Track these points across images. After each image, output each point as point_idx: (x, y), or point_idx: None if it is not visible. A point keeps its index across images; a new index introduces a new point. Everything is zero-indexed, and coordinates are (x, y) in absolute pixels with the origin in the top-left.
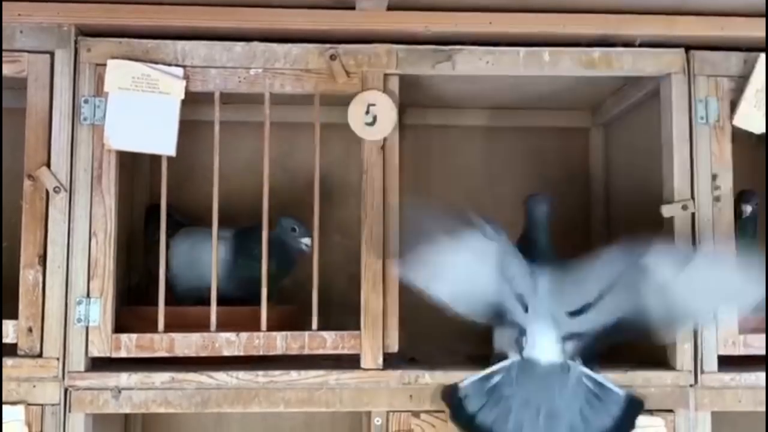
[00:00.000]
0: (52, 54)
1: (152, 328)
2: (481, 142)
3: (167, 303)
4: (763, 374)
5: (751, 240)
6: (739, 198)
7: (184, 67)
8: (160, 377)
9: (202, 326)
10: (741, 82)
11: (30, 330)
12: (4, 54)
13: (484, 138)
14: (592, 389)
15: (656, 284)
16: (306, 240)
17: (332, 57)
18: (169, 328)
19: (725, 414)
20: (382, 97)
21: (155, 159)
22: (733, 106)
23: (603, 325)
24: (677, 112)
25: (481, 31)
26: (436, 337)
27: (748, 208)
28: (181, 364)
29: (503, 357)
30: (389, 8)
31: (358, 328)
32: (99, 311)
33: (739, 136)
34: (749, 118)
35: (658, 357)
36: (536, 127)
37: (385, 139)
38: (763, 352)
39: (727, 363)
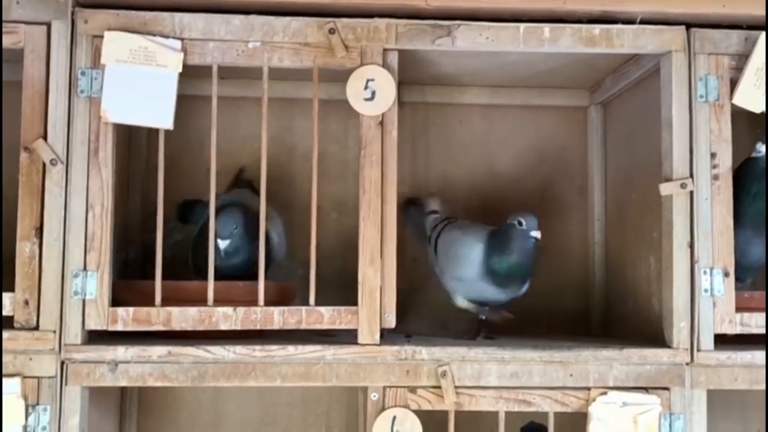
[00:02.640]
0: (48, 25)
1: (149, 302)
2: (480, 121)
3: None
4: (759, 353)
5: (754, 184)
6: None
7: (182, 39)
8: (157, 351)
9: (199, 301)
10: (742, 60)
11: (26, 303)
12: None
13: (482, 116)
14: None
15: None
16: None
17: (331, 31)
18: (166, 302)
19: (720, 392)
20: (381, 72)
21: (152, 133)
22: (734, 84)
23: None
24: (677, 91)
25: (481, 7)
26: (430, 314)
27: (762, 148)
28: (178, 338)
29: None
30: None
31: (355, 303)
32: (96, 284)
33: (739, 115)
34: (749, 97)
35: (654, 334)
36: (535, 105)
37: (383, 115)
38: (759, 330)
39: (724, 341)
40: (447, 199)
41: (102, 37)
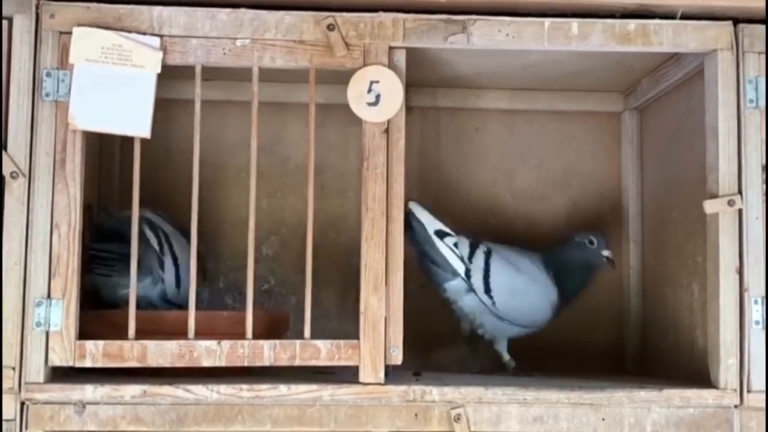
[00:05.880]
0: (9, 20)
1: (122, 334)
2: (499, 128)
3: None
4: None
5: None
6: None
7: (161, 36)
8: (131, 390)
9: (179, 333)
10: None
11: None
12: None
13: (502, 123)
14: None
15: None
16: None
17: (330, 27)
18: (142, 334)
19: None
20: (386, 73)
21: (127, 142)
22: None
23: None
24: (723, 94)
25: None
26: (442, 349)
27: None
28: (154, 375)
29: None
30: None
31: (356, 336)
32: (61, 314)
33: None
34: None
35: (698, 373)
36: (561, 111)
37: (389, 121)
38: None
39: None
40: (461, 217)
41: (70, 33)
